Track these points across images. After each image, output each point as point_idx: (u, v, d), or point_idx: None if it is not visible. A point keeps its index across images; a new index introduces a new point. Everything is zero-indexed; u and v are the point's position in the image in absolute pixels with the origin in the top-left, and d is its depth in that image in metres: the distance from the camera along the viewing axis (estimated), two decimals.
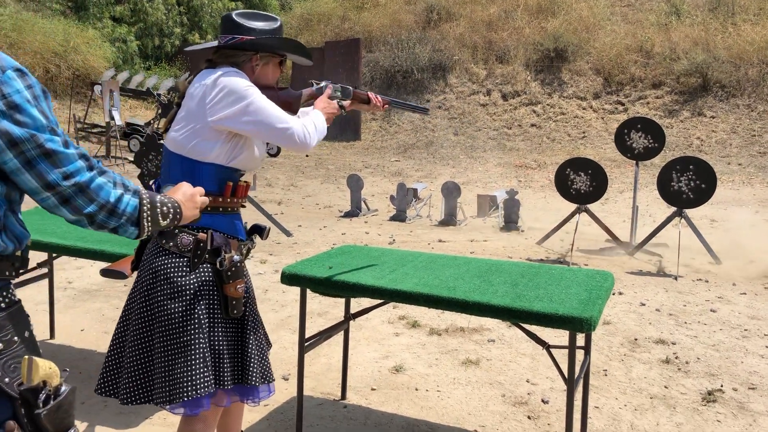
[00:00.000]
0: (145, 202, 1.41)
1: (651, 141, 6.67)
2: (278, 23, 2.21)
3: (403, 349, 3.98)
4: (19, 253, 1.33)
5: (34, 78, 1.29)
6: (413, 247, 6.64)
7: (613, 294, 5.17)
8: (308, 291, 2.84)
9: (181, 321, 1.98)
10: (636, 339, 4.23)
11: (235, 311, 2.05)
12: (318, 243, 6.69)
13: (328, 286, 2.73)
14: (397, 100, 2.85)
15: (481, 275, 2.78)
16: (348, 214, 8.37)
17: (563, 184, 6.46)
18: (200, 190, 1.64)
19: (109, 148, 12.15)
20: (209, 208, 2.03)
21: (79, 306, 4.48)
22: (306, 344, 2.90)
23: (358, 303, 4.21)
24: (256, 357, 2.11)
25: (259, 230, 2.30)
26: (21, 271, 1.36)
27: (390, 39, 18.04)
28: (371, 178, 11.60)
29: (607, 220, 6.80)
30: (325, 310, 4.60)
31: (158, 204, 1.45)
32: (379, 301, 2.97)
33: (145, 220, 1.40)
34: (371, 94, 2.62)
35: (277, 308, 4.66)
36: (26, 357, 1.27)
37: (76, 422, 1.35)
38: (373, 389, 3.46)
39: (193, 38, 19.48)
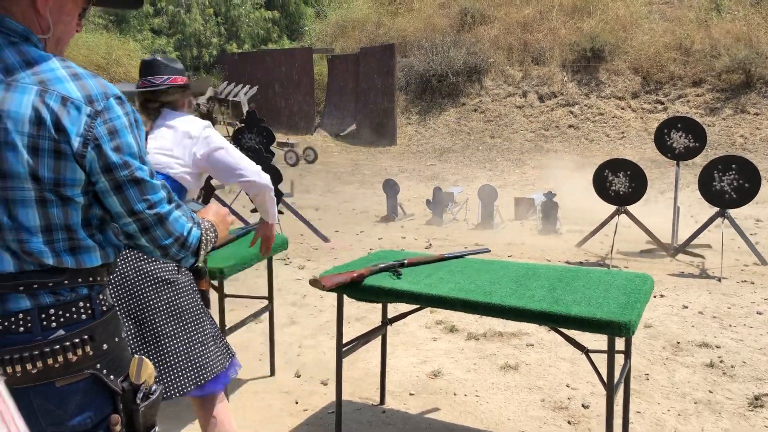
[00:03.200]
0: (202, 233, 1.44)
1: (692, 140, 6.54)
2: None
3: (441, 354, 3.98)
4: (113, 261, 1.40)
5: (131, 106, 1.33)
6: (450, 251, 6.63)
7: (654, 296, 5.08)
8: (345, 297, 2.87)
9: (192, 310, 2.30)
10: (678, 342, 4.15)
11: (205, 303, 2.44)
12: (355, 248, 6.73)
13: (364, 292, 2.75)
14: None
15: (517, 279, 2.77)
16: (385, 219, 8.39)
17: (602, 186, 6.37)
18: (226, 210, 1.69)
19: None
20: None
21: None
22: (344, 349, 2.92)
23: (395, 308, 4.23)
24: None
25: None
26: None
27: (424, 43, 18.03)
28: (407, 183, 11.61)
29: (648, 221, 6.68)
30: (363, 315, 4.63)
31: (207, 231, 1.49)
32: (416, 306, 2.98)
33: (202, 250, 1.45)
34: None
35: (315, 313, 4.70)
36: (137, 357, 1.38)
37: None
38: (411, 394, 3.47)
39: (230, 47, 19.79)
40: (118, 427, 1.32)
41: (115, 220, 1.35)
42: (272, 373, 3.69)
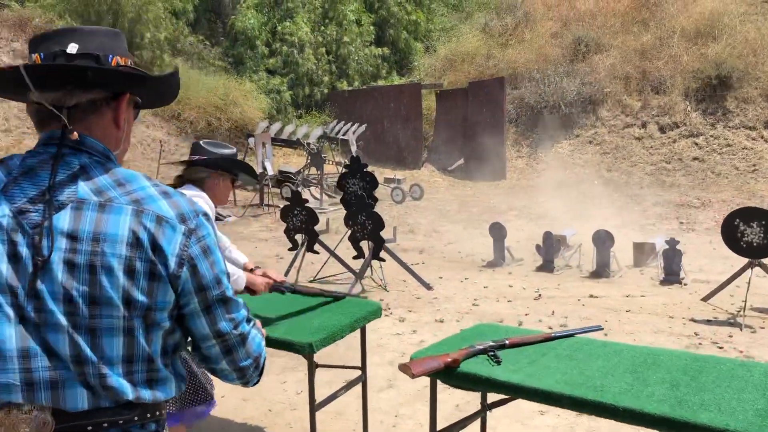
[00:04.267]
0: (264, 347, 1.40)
1: None
2: (233, 150, 2.92)
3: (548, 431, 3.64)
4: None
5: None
6: (562, 304, 6.22)
7: None
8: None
9: None
10: None
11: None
12: (458, 298, 6.46)
13: (459, 379, 2.51)
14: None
15: (634, 370, 2.44)
16: (491, 264, 8.07)
17: (732, 236, 5.77)
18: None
19: (263, 196, 12.73)
20: None
21: None
22: None
23: None
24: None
25: None
26: None
27: (536, 74, 17.60)
28: (516, 222, 11.21)
29: None
30: None
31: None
32: None
33: (263, 366, 1.39)
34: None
35: None
36: None
37: None
38: None
39: (341, 85, 20.18)
40: None
41: (197, 344, 1.29)
42: None
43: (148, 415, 1.22)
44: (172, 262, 1.18)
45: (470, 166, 17.18)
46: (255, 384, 1.40)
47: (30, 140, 12.29)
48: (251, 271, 3.03)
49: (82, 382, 1.14)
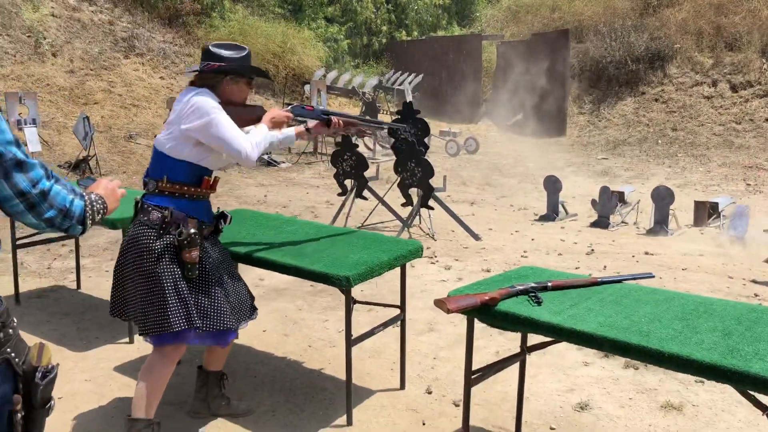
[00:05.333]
0: (87, 203, 1.62)
1: None
2: (245, 52, 2.78)
3: (591, 383, 3.54)
4: None
5: None
6: (615, 260, 6.03)
7: None
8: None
9: (150, 274, 2.61)
10: None
11: (190, 273, 2.64)
12: (507, 249, 6.33)
13: (497, 318, 2.42)
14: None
15: (684, 317, 2.30)
16: (543, 218, 7.87)
17: None
18: (117, 182, 1.91)
19: (316, 144, 12.72)
20: (176, 194, 2.66)
21: (265, 305, 4.59)
22: (473, 377, 2.62)
23: None
24: (212, 308, 2.68)
25: (223, 217, 2.88)
26: None
27: (602, 28, 16.89)
28: (573, 178, 10.90)
29: None
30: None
31: (93, 203, 1.66)
32: None
33: (88, 219, 1.62)
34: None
35: (456, 321, 4.40)
36: (39, 342, 1.53)
37: None
38: (552, 428, 3.09)
39: (399, 35, 19.84)
40: (19, 407, 1.43)
41: (2, 204, 1.48)
42: (402, 386, 3.46)
43: None
44: None
45: (529, 121, 16.75)
46: (80, 232, 1.63)
47: (92, 81, 12.54)
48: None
49: None
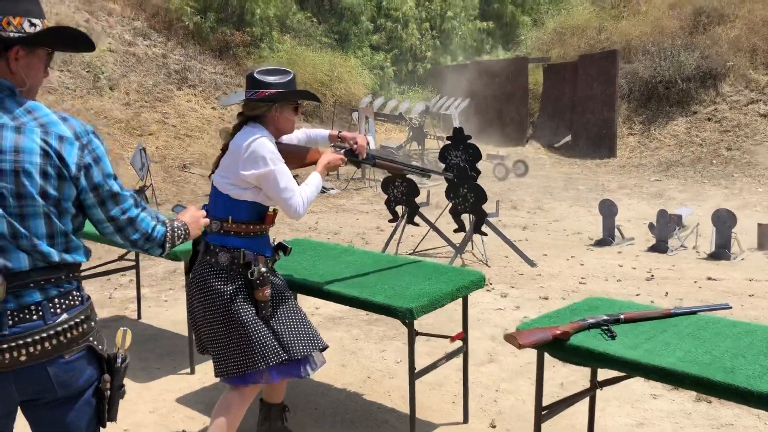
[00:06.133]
0: (168, 230, 1.90)
1: None
2: (291, 76, 2.73)
3: (662, 417, 3.41)
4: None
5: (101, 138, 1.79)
6: (676, 285, 5.85)
7: None
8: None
9: (226, 316, 2.60)
10: None
11: (263, 312, 2.66)
12: (564, 276, 6.20)
13: (569, 353, 2.35)
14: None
15: None
16: (599, 243, 7.70)
17: None
18: (203, 213, 2.15)
19: (364, 171, 12.78)
20: (242, 233, 2.67)
21: (323, 334, 4.56)
22: (543, 413, 2.54)
23: None
24: (291, 336, 2.68)
25: (282, 248, 2.88)
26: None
27: (651, 48, 16.63)
28: (627, 201, 10.67)
29: None
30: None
31: (175, 228, 1.94)
32: None
33: (167, 243, 1.90)
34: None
35: (516, 352, 4.31)
36: (122, 329, 1.84)
37: None
38: None
39: (444, 60, 19.90)
40: (108, 384, 1.78)
41: (96, 225, 1.79)
42: (465, 420, 3.39)
43: (71, 275, 1.73)
44: (73, 168, 1.67)
45: (578, 143, 16.54)
46: (159, 254, 1.91)
47: (147, 113, 12.89)
48: (337, 137, 3.05)
49: (20, 249, 1.63)
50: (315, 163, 2.88)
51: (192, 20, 15.88)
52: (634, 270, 6.45)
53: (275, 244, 2.88)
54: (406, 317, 2.82)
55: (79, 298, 1.75)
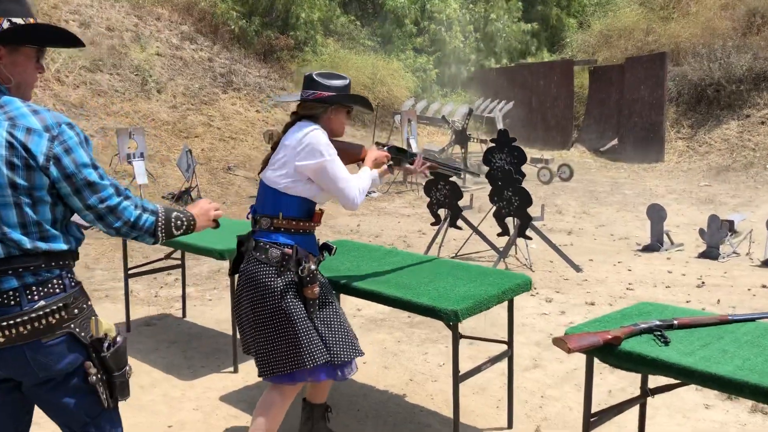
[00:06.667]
0: (160, 220, 1.96)
1: None
2: (347, 81, 2.78)
3: (715, 429, 3.29)
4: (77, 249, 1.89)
5: (79, 129, 1.83)
6: (728, 293, 5.66)
7: None
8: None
9: (276, 312, 2.59)
10: None
11: (312, 309, 2.66)
12: (611, 282, 6.06)
13: (620, 358, 2.28)
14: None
15: None
16: (647, 248, 7.51)
17: None
18: (216, 205, 2.20)
19: (405, 175, 12.75)
20: (293, 230, 2.68)
21: (365, 336, 4.56)
22: (591, 420, 2.47)
23: None
24: (334, 340, 2.68)
25: (327, 248, 2.90)
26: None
27: (701, 50, 16.22)
28: (675, 206, 10.40)
29: None
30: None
31: (173, 218, 2.01)
32: None
33: (159, 231, 1.96)
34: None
35: (562, 357, 4.23)
36: (93, 317, 1.89)
37: None
38: None
39: (488, 63, 19.75)
40: (93, 370, 1.83)
41: (78, 213, 1.85)
42: (510, 425, 3.33)
43: (53, 264, 1.78)
44: (41, 159, 1.72)
45: (625, 147, 16.21)
46: (151, 242, 1.97)
47: (193, 116, 13.11)
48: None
49: None
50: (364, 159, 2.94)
51: (237, 24, 16.11)
52: (684, 276, 6.27)
53: (320, 244, 2.89)
54: (451, 319, 2.78)
55: (61, 286, 1.81)
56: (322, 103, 2.73)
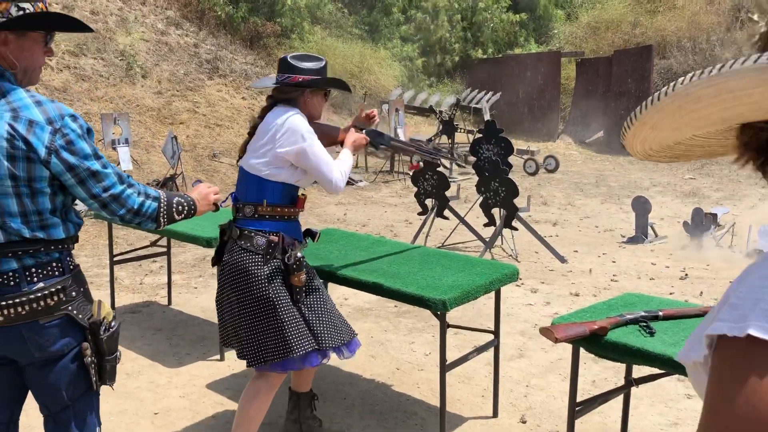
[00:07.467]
0: (162, 205, 1.99)
1: None
2: (323, 63, 2.75)
3: (696, 417, 3.33)
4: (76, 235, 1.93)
5: (83, 120, 1.84)
6: (711, 285, 5.73)
7: None
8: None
9: (262, 300, 2.57)
10: None
11: (298, 296, 2.65)
12: (596, 273, 6.11)
13: (606, 349, 2.31)
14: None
15: None
16: (632, 240, 7.58)
17: None
18: (215, 189, 2.24)
19: (393, 163, 12.75)
20: (277, 217, 2.66)
21: (352, 325, 4.56)
22: (577, 409, 2.50)
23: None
24: (322, 327, 2.68)
25: (311, 234, 2.90)
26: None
27: (686, 43, 16.34)
28: (660, 199, 10.49)
29: None
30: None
31: (174, 204, 2.05)
32: None
33: (161, 217, 1.99)
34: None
35: (546, 347, 4.27)
36: (97, 300, 1.95)
37: None
38: None
39: (475, 53, 19.74)
40: (88, 352, 1.88)
41: (83, 202, 1.87)
42: (495, 414, 3.36)
43: (52, 248, 1.82)
44: (42, 152, 1.73)
45: (610, 139, 16.30)
46: (155, 228, 2.02)
47: (178, 102, 13.00)
48: (351, 127, 3.03)
49: None
50: (343, 142, 2.93)
51: (224, 10, 15.96)
52: (668, 268, 6.34)
53: (304, 230, 2.88)
54: (439, 309, 2.79)
55: (60, 269, 1.85)
56: (298, 87, 2.70)
